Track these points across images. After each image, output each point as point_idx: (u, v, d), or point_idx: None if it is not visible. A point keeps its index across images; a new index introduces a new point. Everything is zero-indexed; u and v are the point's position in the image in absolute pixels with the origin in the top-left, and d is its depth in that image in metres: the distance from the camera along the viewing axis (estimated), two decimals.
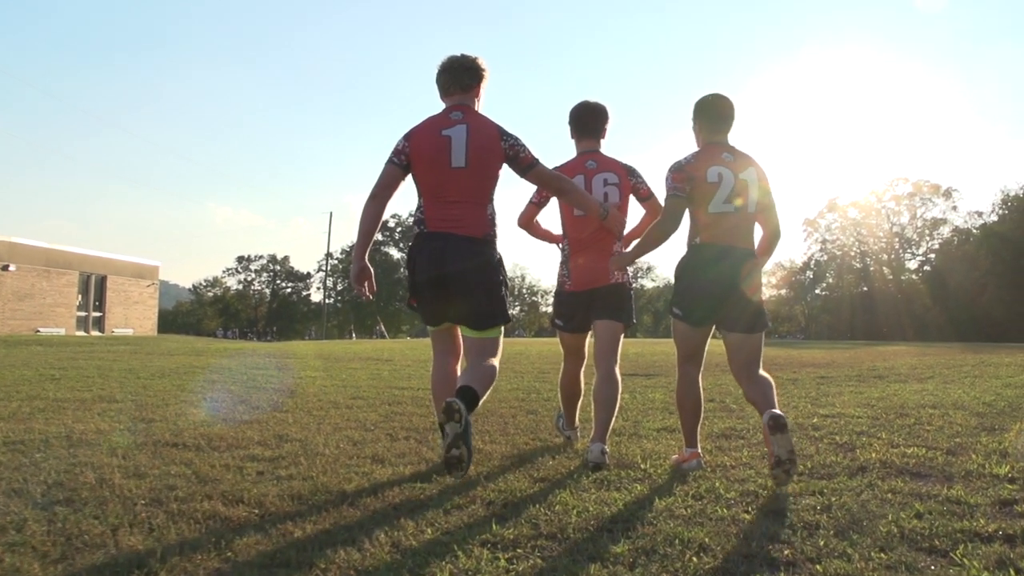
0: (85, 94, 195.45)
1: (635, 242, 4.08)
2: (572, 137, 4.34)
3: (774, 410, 3.34)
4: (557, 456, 4.01)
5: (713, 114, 3.75)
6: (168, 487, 3.20)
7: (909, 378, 8.94)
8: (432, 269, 3.65)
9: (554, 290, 4.39)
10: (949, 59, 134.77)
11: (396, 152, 3.74)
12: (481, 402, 3.51)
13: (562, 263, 4.27)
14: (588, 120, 4.27)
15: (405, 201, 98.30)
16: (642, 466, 3.71)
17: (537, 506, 2.93)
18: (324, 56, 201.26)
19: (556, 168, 4.06)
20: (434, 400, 3.90)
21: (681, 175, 3.64)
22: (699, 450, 3.77)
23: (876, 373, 9.73)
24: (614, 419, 3.97)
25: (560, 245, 4.32)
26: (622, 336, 4.16)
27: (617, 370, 4.08)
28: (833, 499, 3.03)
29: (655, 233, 3.74)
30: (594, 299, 4.13)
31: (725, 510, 2.89)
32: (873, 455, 3.92)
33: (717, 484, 3.29)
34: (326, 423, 5.13)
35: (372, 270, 3.79)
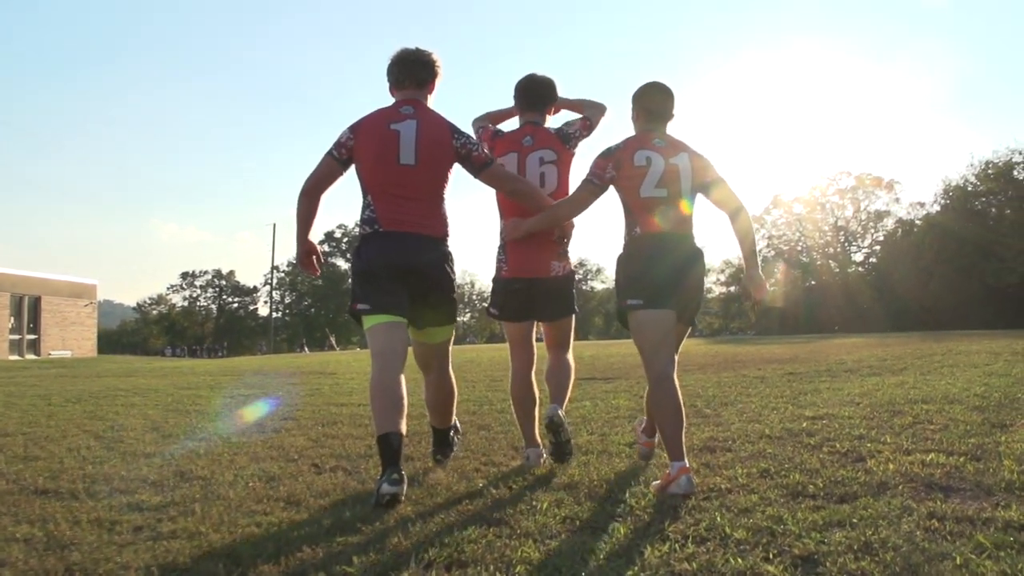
0: (21, 112, 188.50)
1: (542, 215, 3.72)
2: (515, 112, 4.05)
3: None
4: (514, 485, 3.29)
5: (649, 102, 3.57)
6: None
7: (882, 371, 8.44)
8: (392, 258, 3.39)
9: (492, 278, 3.99)
10: (888, 51, 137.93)
11: (338, 145, 3.51)
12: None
13: (500, 247, 3.89)
14: (530, 94, 4.02)
15: (350, 210, 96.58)
16: (620, 496, 3.01)
17: (492, 568, 2.21)
18: (267, 68, 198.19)
19: (494, 139, 3.92)
20: (374, 411, 3.23)
21: (606, 160, 3.49)
22: (687, 463, 3.11)
23: (845, 367, 9.22)
24: (569, 391, 3.82)
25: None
26: (572, 324, 3.97)
27: (570, 356, 3.91)
28: (868, 533, 2.37)
29: (561, 211, 3.65)
30: (534, 294, 3.79)
31: (739, 559, 2.20)
32: (890, 467, 3.30)
33: (719, 518, 2.61)
34: (243, 453, 4.36)
35: (316, 246, 3.68)
